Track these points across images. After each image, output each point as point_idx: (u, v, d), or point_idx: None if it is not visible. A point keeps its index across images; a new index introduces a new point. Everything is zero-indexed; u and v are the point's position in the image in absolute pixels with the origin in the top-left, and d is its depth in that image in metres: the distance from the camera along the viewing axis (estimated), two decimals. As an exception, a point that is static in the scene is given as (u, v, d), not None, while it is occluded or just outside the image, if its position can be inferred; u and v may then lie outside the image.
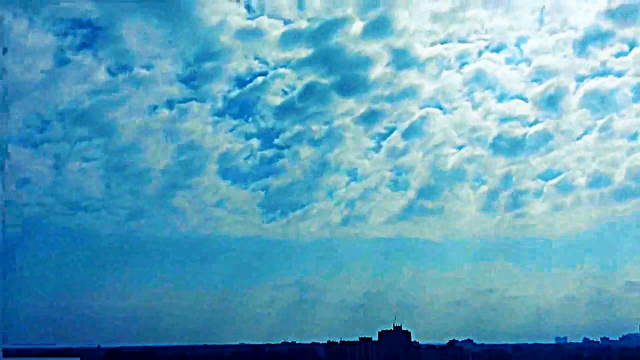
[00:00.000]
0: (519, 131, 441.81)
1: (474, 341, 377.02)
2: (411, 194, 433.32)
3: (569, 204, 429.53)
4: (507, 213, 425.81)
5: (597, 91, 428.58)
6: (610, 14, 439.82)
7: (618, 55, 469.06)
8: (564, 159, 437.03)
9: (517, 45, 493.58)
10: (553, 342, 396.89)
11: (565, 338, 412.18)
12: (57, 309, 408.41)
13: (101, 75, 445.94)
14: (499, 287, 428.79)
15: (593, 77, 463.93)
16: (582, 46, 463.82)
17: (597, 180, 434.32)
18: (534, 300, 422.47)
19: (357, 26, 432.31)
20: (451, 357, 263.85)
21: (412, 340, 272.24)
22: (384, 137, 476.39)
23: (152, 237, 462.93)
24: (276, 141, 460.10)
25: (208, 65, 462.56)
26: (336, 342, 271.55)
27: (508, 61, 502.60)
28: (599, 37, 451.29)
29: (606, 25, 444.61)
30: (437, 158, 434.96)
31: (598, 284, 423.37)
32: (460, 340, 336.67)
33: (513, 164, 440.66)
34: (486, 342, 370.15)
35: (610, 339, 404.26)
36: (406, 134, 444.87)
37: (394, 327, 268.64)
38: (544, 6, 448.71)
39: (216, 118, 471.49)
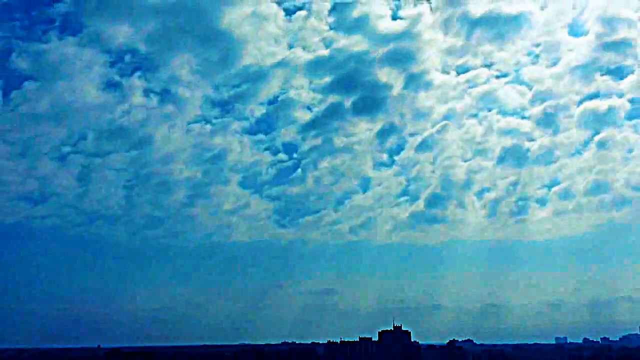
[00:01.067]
0: (522, 145, 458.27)
1: (474, 341, 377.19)
2: (421, 203, 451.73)
3: (569, 210, 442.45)
4: (511, 219, 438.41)
5: (593, 110, 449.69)
6: (600, 47, 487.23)
7: (608, 80, 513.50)
8: (564, 169, 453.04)
9: (519, 73, 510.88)
10: (553, 342, 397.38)
11: (565, 338, 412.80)
12: (59, 311, 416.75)
13: (143, 97, 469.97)
14: (502, 289, 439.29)
15: (590, 99, 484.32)
16: (575, 73, 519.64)
17: (596, 188, 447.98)
18: (535, 301, 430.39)
19: (378, 56, 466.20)
20: (451, 357, 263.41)
21: (412, 340, 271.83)
22: (398, 151, 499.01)
23: (166, 245, 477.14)
24: (295, 155, 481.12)
25: (244, 88, 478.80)
26: (336, 342, 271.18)
27: (512, 86, 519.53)
28: (590, 66, 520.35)
29: (596, 56, 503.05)
30: (446, 170, 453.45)
31: (592, 287, 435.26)
32: (460, 340, 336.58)
33: (517, 174, 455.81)
34: (486, 342, 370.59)
35: (610, 339, 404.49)
36: (418, 148, 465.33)
37: (394, 327, 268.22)
38: (541, 42, 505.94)
39: (246, 134, 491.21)
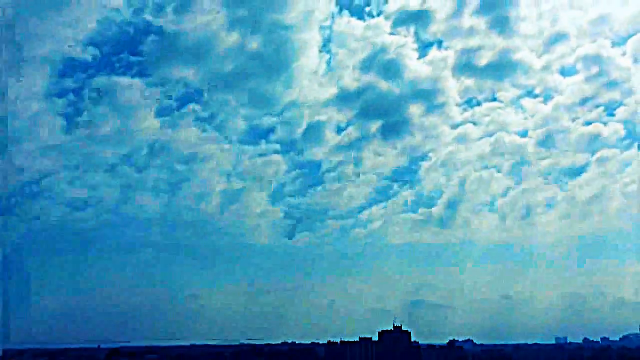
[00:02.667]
0: (527, 161, 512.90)
1: (474, 341, 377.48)
2: (434, 210, 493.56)
3: (573, 215, 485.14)
4: (517, 222, 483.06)
5: (590, 132, 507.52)
6: (589, 85, 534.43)
7: (601, 110, 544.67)
8: (568, 183, 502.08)
9: (521, 104, 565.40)
10: (553, 342, 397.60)
11: (565, 338, 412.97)
12: (60, 311, 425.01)
13: (194, 123, 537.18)
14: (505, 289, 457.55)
15: (588, 124, 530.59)
16: (573, 105, 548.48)
17: (597, 198, 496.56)
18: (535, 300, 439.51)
19: (404, 93, 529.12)
20: (451, 357, 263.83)
21: (412, 340, 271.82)
22: (416, 170, 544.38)
23: (191, 245, 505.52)
24: (321, 171, 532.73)
25: (285, 117, 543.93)
26: (336, 342, 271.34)
27: (515, 112, 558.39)
28: (584, 100, 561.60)
29: (588, 92, 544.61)
30: (460, 182, 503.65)
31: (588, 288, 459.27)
32: (460, 340, 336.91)
33: (523, 186, 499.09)
34: (486, 342, 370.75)
35: (610, 339, 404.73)
36: (435, 165, 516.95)
37: (394, 327, 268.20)
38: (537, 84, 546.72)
39: (282, 154, 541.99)
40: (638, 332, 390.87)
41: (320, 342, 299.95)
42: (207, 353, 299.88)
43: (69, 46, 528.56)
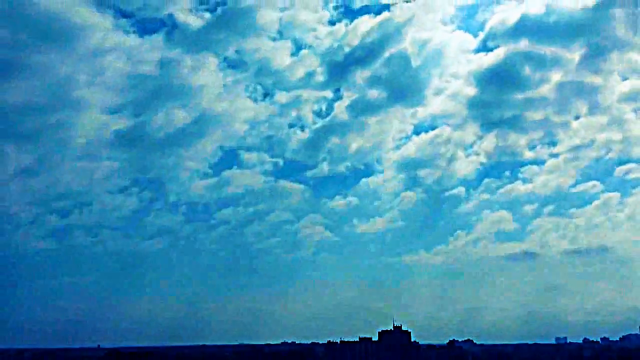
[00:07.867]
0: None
1: (474, 341, 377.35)
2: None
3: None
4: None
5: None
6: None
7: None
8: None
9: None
10: (553, 342, 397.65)
11: (565, 338, 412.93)
12: (60, 311, 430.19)
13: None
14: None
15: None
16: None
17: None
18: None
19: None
20: (451, 357, 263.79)
21: (412, 340, 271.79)
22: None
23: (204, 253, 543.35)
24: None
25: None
26: (336, 342, 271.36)
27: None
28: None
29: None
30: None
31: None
32: (460, 340, 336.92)
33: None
34: (486, 342, 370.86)
35: (610, 339, 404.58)
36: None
37: (394, 327, 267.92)
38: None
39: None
40: (638, 332, 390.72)
41: (320, 342, 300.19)
42: (207, 353, 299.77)
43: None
